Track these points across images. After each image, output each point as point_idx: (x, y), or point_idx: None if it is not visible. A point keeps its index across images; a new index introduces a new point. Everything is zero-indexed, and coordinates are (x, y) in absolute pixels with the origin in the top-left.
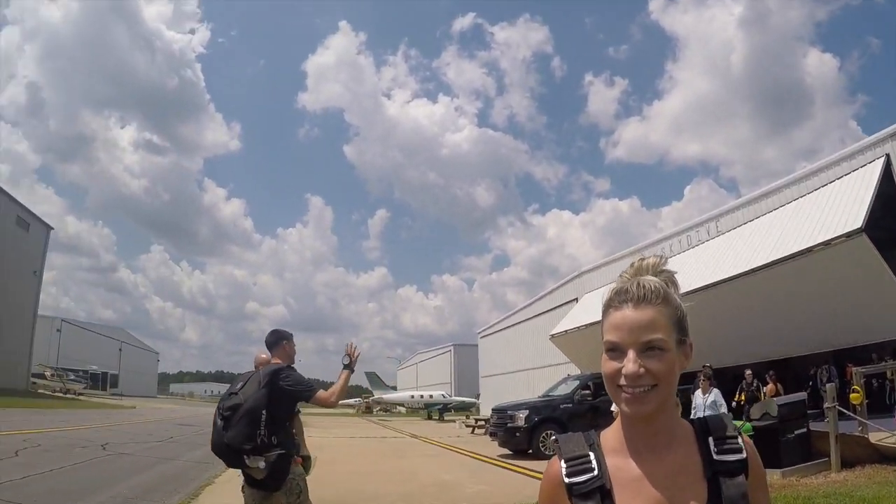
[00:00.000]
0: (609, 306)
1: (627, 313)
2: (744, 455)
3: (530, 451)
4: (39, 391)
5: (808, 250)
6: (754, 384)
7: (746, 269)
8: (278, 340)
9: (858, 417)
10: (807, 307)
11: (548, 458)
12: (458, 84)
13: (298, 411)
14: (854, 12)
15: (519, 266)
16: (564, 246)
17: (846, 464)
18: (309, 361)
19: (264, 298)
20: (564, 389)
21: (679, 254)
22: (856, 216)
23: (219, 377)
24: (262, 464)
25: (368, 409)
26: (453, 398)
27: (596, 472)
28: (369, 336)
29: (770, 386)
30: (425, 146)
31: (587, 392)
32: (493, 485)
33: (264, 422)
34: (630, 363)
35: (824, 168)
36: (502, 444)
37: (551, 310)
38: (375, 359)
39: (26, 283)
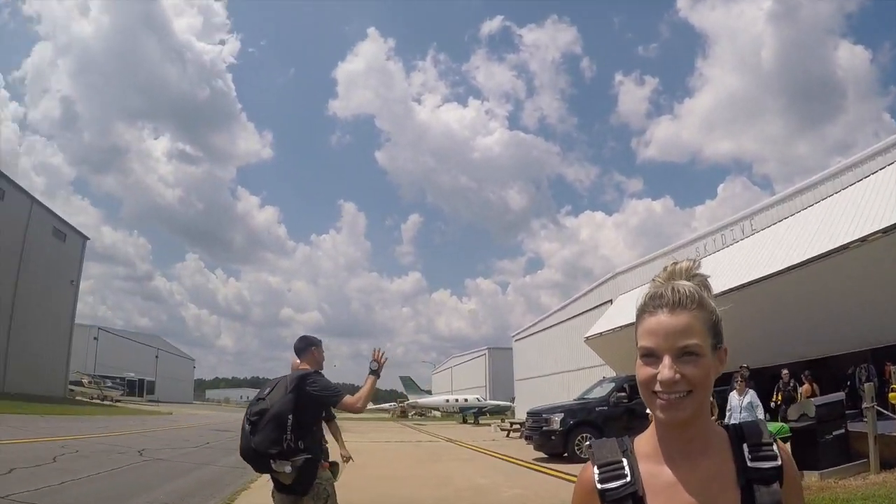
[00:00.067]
0: (643, 311)
1: (662, 318)
2: (779, 462)
3: (566, 454)
4: (77, 398)
5: (845, 247)
6: (791, 384)
7: (782, 268)
8: (307, 346)
9: None
10: (844, 305)
11: (583, 461)
12: (487, 87)
13: (334, 416)
14: (885, 2)
15: (553, 268)
16: (598, 247)
17: (886, 465)
18: (344, 367)
19: (299, 305)
20: (600, 392)
21: (713, 253)
22: (892, 211)
23: (254, 383)
24: (288, 468)
25: (403, 414)
26: (488, 402)
27: (629, 479)
28: (404, 340)
29: (805, 386)
30: (456, 150)
31: (623, 394)
32: (529, 488)
33: (290, 426)
34: (666, 369)
35: (859, 163)
36: (538, 448)
37: (586, 312)
38: (410, 363)
39: (63, 292)
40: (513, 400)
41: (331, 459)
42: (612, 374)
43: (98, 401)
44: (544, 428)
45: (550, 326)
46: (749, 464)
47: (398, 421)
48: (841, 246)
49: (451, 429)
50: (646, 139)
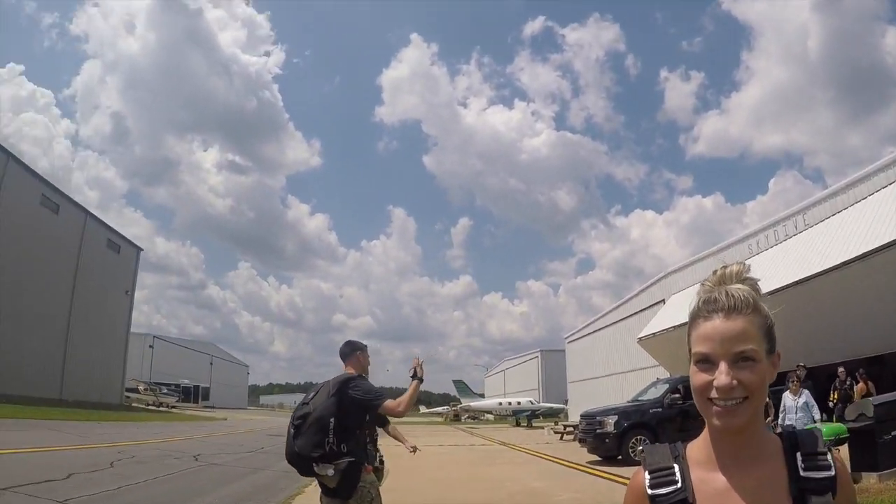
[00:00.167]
0: (697, 316)
1: (718, 324)
2: (832, 473)
3: (620, 456)
4: (133, 405)
5: None
6: (847, 382)
7: (837, 263)
8: (352, 351)
9: None
10: None
11: (638, 463)
12: (533, 88)
13: (387, 421)
14: None
15: (604, 269)
16: (649, 246)
17: None
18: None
19: (351, 310)
20: (654, 393)
21: (766, 250)
22: None
23: (307, 388)
24: (330, 471)
25: (456, 417)
26: (541, 404)
27: (679, 485)
28: (456, 344)
29: (860, 385)
30: (504, 152)
31: (677, 396)
32: (583, 492)
33: (333, 430)
34: (722, 375)
35: None
36: (591, 451)
37: (638, 312)
38: (463, 367)
39: (119, 302)
40: (566, 402)
41: (378, 462)
42: (665, 374)
43: (154, 407)
44: (598, 430)
45: (603, 328)
46: (802, 473)
47: (451, 424)
48: None
49: (504, 432)
50: (694, 135)
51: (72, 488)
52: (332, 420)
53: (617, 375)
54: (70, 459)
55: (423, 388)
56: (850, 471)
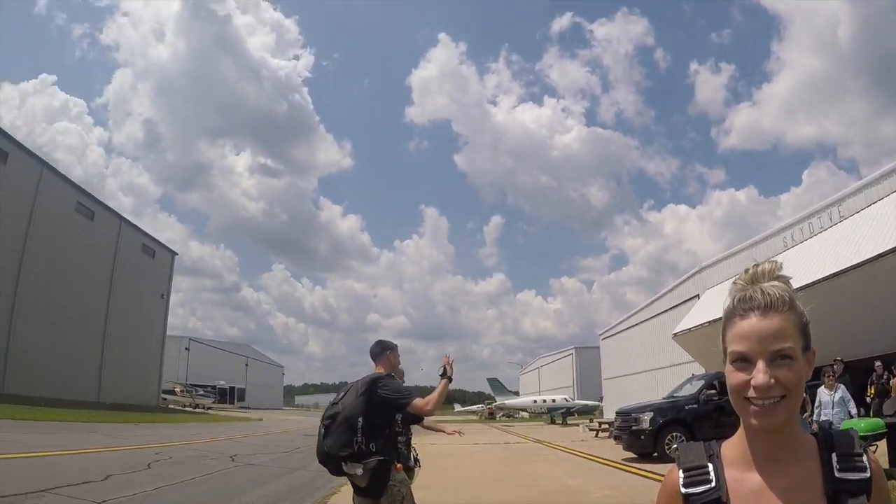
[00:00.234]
0: (732, 315)
1: (754, 322)
2: (868, 474)
3: (656, 453)
4: (170, 406)
5: None
6: (885, 377)
7: (873, 255)
8: (382, 350)
9: None
10: None
11: (674, 461)
12: (562, 85)
13: (422, 418)
14: None
15: (637, 264)
16: (682, 241)
17: None
18: (430, 370)
19: (385, 310)
20: (689, 390)
21: (801, 242)
22: None
23: (342, 388)
24: (359, 470)
25: (491, 415)
26: (576, 402)
27: (713, 484)
28: (490, 342)
29: (895, 380)
30: (535, 150)
31: (713, 392)
32: (619, 489)
33: (361, 429)
34: (760, 374)
35: None
36: (627, 448)
37: (673, 308)
38: (497, 364)
39: (154, 305)
40: (601, 399)
41: (412, 462)
42: (700, 370)
43: (190, 409)
44: (633, 427)
45: (637, 324)
46: (836, 474)
47: (486, 422)
48: None
49: (539, 430)
50: (725, 128)
51: (110, 489)
52: (360, 419)
53: (651, 372)
54: (108, 461)
55: (457, 386)
56: (887, 468)
